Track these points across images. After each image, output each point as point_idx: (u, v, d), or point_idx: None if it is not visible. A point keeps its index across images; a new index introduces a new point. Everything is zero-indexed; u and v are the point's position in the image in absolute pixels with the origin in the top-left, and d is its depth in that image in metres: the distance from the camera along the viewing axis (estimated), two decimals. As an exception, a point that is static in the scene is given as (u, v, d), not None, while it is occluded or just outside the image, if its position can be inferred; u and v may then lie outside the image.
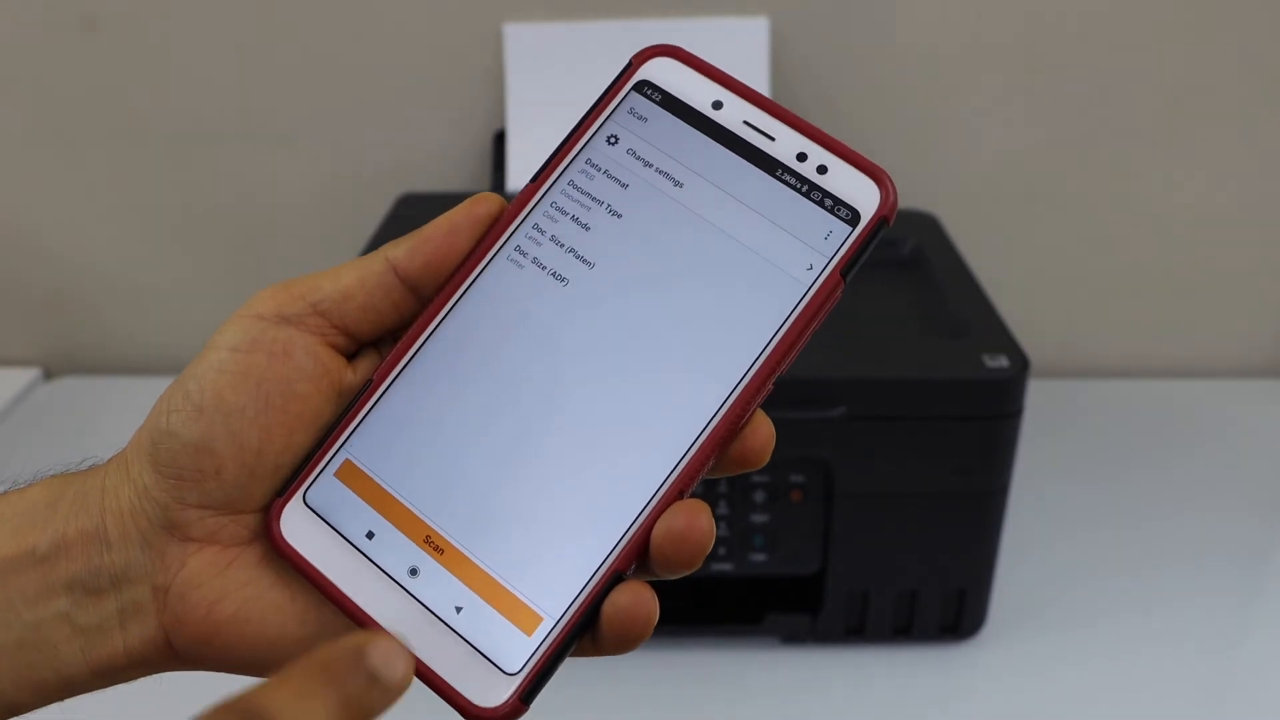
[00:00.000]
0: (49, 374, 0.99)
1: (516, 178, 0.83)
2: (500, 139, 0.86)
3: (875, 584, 0.63)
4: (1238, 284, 0.94)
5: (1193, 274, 0.93)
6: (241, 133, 0.90)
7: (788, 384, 0.57)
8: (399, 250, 0.27)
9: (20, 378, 0.96)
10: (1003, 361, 0.57)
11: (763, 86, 0.83)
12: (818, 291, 0.26)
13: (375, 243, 0.73)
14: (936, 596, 0.63)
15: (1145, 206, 0.91)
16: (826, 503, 0.61)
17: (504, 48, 0.84)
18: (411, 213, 0.79)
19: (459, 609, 0.25)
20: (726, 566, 0.62)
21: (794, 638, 0.66)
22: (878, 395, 0.58)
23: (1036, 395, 0.61)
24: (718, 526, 0.58)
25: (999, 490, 0.61)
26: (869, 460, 0.59)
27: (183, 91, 0.88)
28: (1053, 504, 0.78)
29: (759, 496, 0.61)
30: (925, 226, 0.76)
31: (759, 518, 0.61)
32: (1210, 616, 0.68)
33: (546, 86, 0.84)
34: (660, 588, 0.26)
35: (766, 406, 0.28)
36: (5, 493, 0.27)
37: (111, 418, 0.89)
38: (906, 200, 0.87)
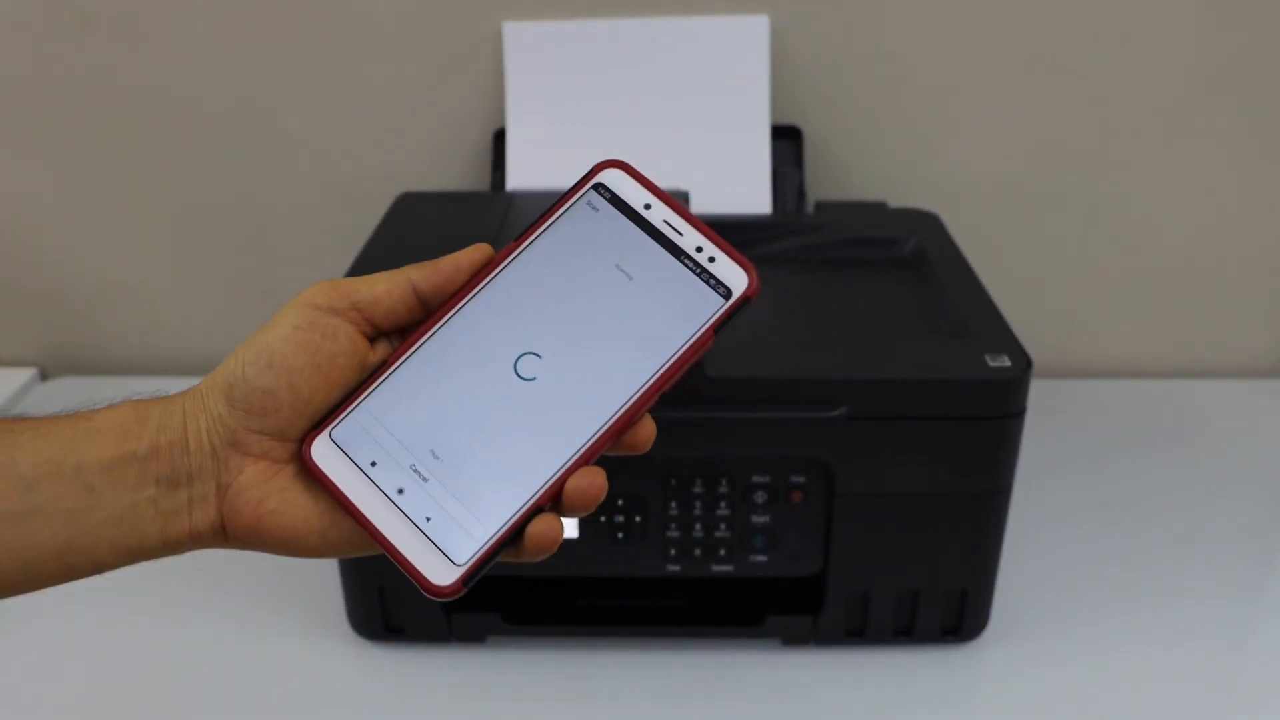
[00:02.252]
0: (45, 374, 0.99)
1: (516, 176, 0.83)
2: (500, 137, 0.86)
3: (876, 585, 0.63)
4: (1237, 284, 0.94)
5: (1193, 274, 0.93)
6: (240, 132, 0.90)
7: (788, 384, 0.57)
8: (419, 273, 0.39)
9: (17, 378, 0.96)
10: (1005, 361, 0.57)
11: (763, 85, 0.82)
12: (698, 339, 0.38)
13: (375, 241, 0.72)
14: (938, 598, 0.63)
15: (1146, 206, 0.91)
16: (827, 503, 0.61)
17: (503, 46, 0.84)
18: (411, 211, 0.79)
19: (428, 519, 0.37)
20: (727, 568, 0.62)
21: (795, 639, 0.65)
22: (878, 395, 0.57)
23: (1037, 395, 0.61)
24: (718, 527, 0.62)
25: (1001, 491, 0.60)
26: (870, 460, 0.59)
27: (181, 91, 0.88)
28: (1055, 504, 0.78)
29: (759, 497, 0.61)
30: (926, 225, 0.76)
31: (759, 518, 0.61)
32: (1213, 618, 0.68)
33: (546, 85, 0.84)
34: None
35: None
36: (95, 409, 0.37)
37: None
38: (907, 199, 0.88)
